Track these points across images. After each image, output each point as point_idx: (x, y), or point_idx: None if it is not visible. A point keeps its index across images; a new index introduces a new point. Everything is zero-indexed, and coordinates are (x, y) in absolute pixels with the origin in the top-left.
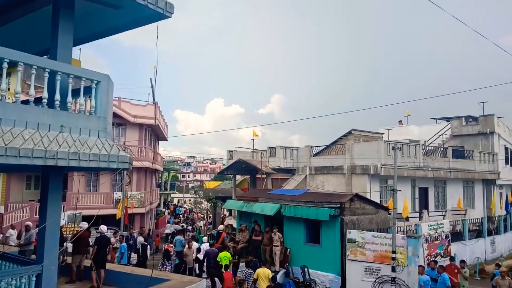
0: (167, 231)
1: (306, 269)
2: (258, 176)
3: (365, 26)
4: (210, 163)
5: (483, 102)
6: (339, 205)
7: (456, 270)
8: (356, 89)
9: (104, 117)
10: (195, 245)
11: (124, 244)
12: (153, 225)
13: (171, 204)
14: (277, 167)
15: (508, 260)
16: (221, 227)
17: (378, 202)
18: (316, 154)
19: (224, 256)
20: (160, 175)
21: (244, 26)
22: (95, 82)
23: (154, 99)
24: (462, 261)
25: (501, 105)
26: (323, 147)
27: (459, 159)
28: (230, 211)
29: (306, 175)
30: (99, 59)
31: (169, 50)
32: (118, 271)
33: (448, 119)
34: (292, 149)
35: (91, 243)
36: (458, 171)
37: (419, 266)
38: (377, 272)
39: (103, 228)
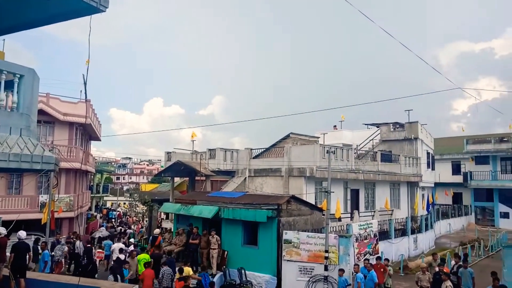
0: (98, 235)
1: (243, 271)
2: (197, 178)
3: (307, 30)
4: (148, 165)
5: (408, 110)
6: (276, 207)
7: (382, 269)
8: (297, 92)
9: (28, 114)
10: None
11: (47, 251)
12: (83, 230)
13: (104, 208)
14: (216, 169)
15: (428, 256)
16: (157, 230)
17: (313, 203)
18: (256, 157)
19: (143, 258)
20: (92, 177)
21: (187, 25)
22: (18, 76)
23: (86, 96)
24: (386, 259)
25: (424, 113)
26: (262, 150)
27: (387, 162)
28: (167, 214)
29: (246, 177)
30: (28, 52)
31: (107, 45)
32: (42, 280)
33: (378, 125)
34: (232, 151)
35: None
36: (386, 174)
37: (355, 264)
38: (311, 272)
39: (22, 233)
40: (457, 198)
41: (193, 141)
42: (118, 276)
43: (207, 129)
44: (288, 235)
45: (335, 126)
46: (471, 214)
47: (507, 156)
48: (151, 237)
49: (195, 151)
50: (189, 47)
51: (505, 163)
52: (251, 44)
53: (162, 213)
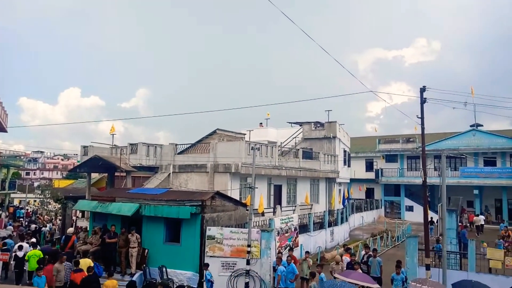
0: (3, 234)
1: (164, 269)
2: (117, 174)
3: (234, 26)
4: (62, 159)
5: (328, 111)
6: (200, 203)
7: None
8: (225, 88)
9: None
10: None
11: None
12: None
13: (11, 206)
14: (138, 165)
15: (341, 248)
16: (70, 230)
17: (238, 199)
18: (181, 152)
19: (33, 254)
20: None
21: (110, 12)
22: None
23: None
24: (307, 252)
25: (343, 113)
26: (188, 145)
27: (308, 159)
28: (83, 212)
29: (170, 173)
30: None
31: (16, 30)
32: None
33: (301, 124)
34: (156, 146)
35: None
36: (307, 170)
37: (277, 258)
38: (233, 266)
39: None
40: (369, 193)
41: (113, 135)
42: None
43: (130, 123)
44: (211, 231)
45: (261, 123)
46: (381, 208)
47: (412, 155)
48: (63, 236)
49: (115, 145)
50: (112, 36)
51: (411, 161)
52: (181, 36)
53: (78, 211)
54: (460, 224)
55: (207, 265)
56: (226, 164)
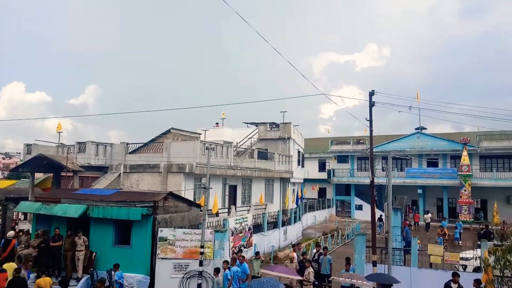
0: None
1: (112, 272)
2: (63, 174)
3: (188, 23)
4: (4, 158)
5: (283, 112)
6: (152, 204)
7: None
8: (180, 87)
9: None
10: None
11: None
12: None
13: None
14: (86, 165)
15: (286, 250)
16: (10, 233)
17: (192, 199)
18: (133, 152)
19: None
20: None
21: (58, 1)
22: None
23: None
24: (257, 252)
25: (298, 115)
26: (140, 145)
27: (263, 160)
28: (25, 214)
29: (120, 174)
30: None
31: None
32: None
33: (256, 124)
34: (106, 145)
35: None
36: (262, 170)
37: (224, 261)
38: (186, 268)
39: None
40: (322, 192)
41: (59, 133)
42: None
43: (79, 121)
44: (163, 232)
45: (217, 123)
46: (333, 207)
47: (362, 156)
48: (3, 240)
49: (61, 144)
50: (59, 28)
51: (361, 162)
52: (134, 31)
53: (20, 214)
54: (404, 221)
55: (117, 265)
56: (180, 164)
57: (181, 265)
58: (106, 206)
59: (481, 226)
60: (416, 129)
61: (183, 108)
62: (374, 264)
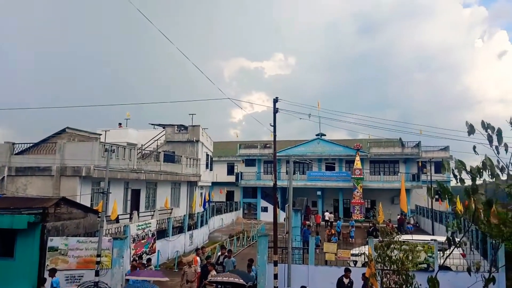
0: None
1: None
2: None
3: (91, 19)
4: None
5: (192, 114)
6: (41, 211)
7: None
8: (82, 84)
9: None
10: None
11: None
12: None
13: None
14: None
15: (192, 254)
16: None
17: (89, 205)
18: (20, 153)
19: None
20: None
21: None
22: None
23: None
24: (149, 259)
25: (208, 118)
26: (30, 145)
27: (170, 163)
28: None
29: (4, 177)
30: None
31: None
32: None
33: (164, 126)
34: None
35: None
36: (168, 173)
37: (132, 266)
38: (80, 279)
39: None
40: (230, 195)
41: None
42: None
43: None
44: (54, 241)
45: (120, 124)
46: (240, 209)
47: (268, 160)
48: None
49: None
50: None
51: (267, 165)
52: (29, 20)
53: None
54: (304, 221)
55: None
56: (75, 167)
57: (74, 276)
58: None
59: (370, 224)
60: (316, 135)
61: (80, 106)
62: (275, 263)
